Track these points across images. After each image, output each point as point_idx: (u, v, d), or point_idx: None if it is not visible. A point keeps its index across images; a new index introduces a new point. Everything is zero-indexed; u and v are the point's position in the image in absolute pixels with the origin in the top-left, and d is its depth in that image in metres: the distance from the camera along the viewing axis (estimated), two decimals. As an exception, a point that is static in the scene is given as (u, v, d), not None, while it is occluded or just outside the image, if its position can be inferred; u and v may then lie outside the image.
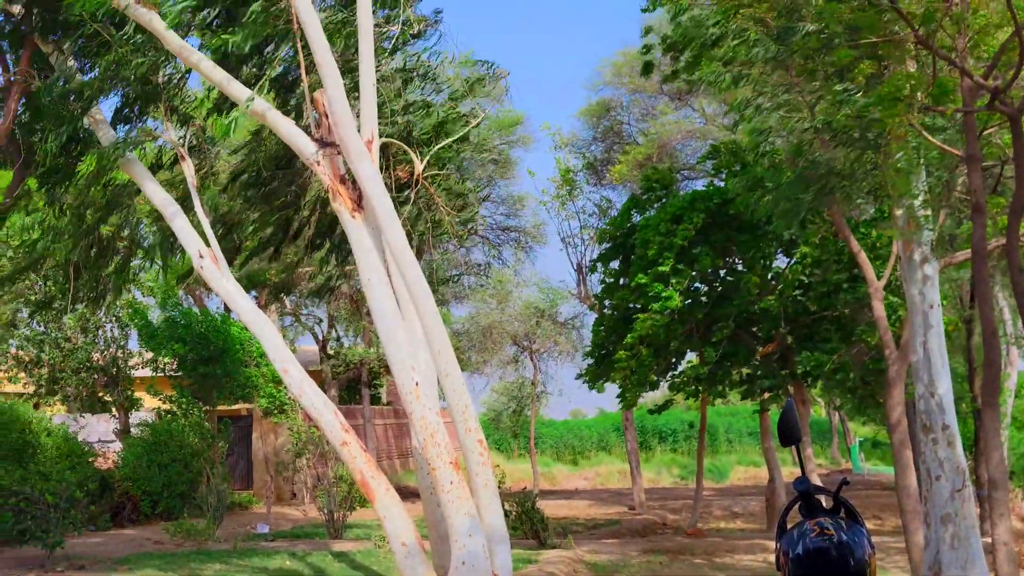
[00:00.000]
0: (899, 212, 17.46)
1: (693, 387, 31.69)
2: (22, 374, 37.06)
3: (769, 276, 29.21)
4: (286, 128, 15.43)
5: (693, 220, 27.74)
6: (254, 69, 17.52)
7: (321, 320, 48.84)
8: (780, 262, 30.29)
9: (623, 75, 43.76)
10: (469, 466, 13.91)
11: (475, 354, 49.76)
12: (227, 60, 16.56)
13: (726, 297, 29.17)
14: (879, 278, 20.36)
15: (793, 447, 4.19)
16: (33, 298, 31.45)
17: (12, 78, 18.46)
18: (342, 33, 17.07)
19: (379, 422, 48.50)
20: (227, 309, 37.77)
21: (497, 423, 59.56)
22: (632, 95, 44.95)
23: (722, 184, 29.47)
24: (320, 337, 48.20)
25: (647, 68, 26.01)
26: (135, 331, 37.44)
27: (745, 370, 30.72)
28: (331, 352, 46.89)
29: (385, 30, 17.67)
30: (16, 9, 18.09)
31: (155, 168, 18.99)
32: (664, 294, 27.36)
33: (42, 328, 36.63)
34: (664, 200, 30.76)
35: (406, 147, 16.93)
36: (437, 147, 17.85)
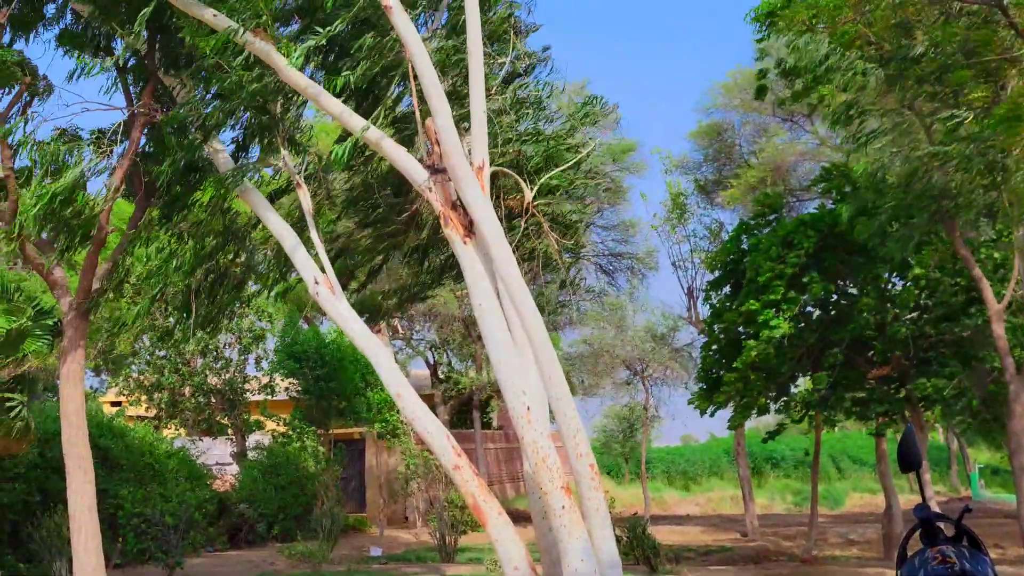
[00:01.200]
0: (1020, 232, 17.09)
1: (805, 412, 31.26)
2: (144, 398, 38.04)
3: (883, 299, 28.70)
4: (398, 156, 15.68)
5: (804, 245, 27.39)
6: (368, 99, 17.83)
7: (433, 345, 49.25)
8: (895, 285, 29.74)
9: (734, 96, 43.50)
10: (580, 491, 13.92)
11: (586, 377, 49.71)
12: (341, 91, 16.89)
13: (838, 321, 28.75)
14: (999, 300, 19.91)
15: (912, 473, 4.15)
16: (156, 324, 32.27)
17: (136, 111, 19.06)
18: (452, 62, 17.32)
19: (490, 446, 48.69)
20: (341, 333, 38.31)
21: (608, 447, 59.35)
22: (744, 116, 44.67)
23: (833, 207, 29.08)
24: (431, 362, 48.59)
25: (760, 92, 25.86)
26: (253, 355, 38.19)
27: (859, 394, 30.18)
28: (442, 377, 47.24)
29: (495, 61, 17.85)
30: (141, 44, 18.69)
31: (272, 196, 19.42)
32: (773, 322, 27.05)
33: (162, 353, 37.56)
34: (774, 224, 30.45)
35: (516, 175, 17.07)
36: (547, 175, 17.95)
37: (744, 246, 30.93)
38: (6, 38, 18.92)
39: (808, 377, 31.05)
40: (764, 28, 19.61)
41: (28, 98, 19.72)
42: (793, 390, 31.92)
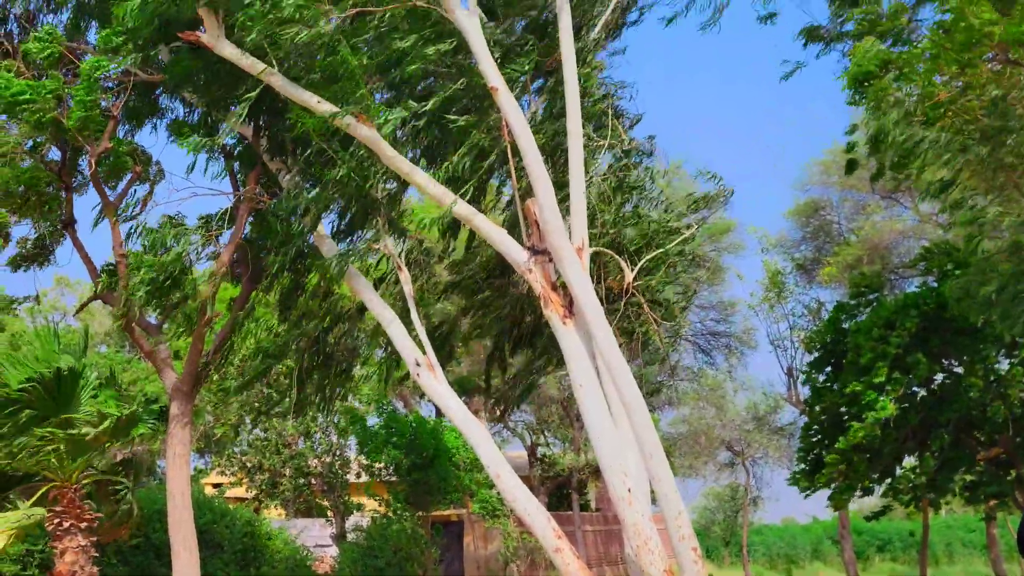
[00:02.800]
0: None
1: (912, 494, 30.49)
2: (245, 479, 38.44)
3: (991, 379, 28.01)
4: (499, 236, 15.84)
5: (907, 325, 26.92)
6: (468, 181, 18.05)
7: (530, 426, 49.14)
8: (1003, 364, 29.04)
9: (832, 173, 43.22)
10: (683, 574, 13.74)
11: (686, 459, 49.17)
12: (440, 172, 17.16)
13: (944, 401, 28.11)
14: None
15: (1029, 557, 4.07)
16: (258, 405, 32.75)
17: (242, 196, 19.53)
18: (551, 146, 17.52)
19: (588, 528, 48.21)
20: (439, 414, 38.44)
21: (708, 530, 58.43)
22: (842, 193, 44.30)
23: (936, 285, 28.59)
24: (529, 443, 48.45)
25: (851, 166, 25.69)
26: (353, 437, 38.44)
27: (968, 477, 29.39)
28: (540, 458, 47.04)
29: (595, 144, 18.02)
30: (245, 128, 19.21)
31: (374, 279, 19.70)
32: (878, 404, 26.55)
33: (263, 434, 38.00)
34: (874, 304, 30.00)
35: (616, 256, 17.14)
36: (647, 257, 17.98)
37: (844, 326, 30.50)
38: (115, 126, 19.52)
39: (914, 458, 30.36)
40: (857, 95, 19.55)
41: (139, 185, 20.39)
42: (898, 471, 31.20)
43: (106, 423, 17.56)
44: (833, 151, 42.46)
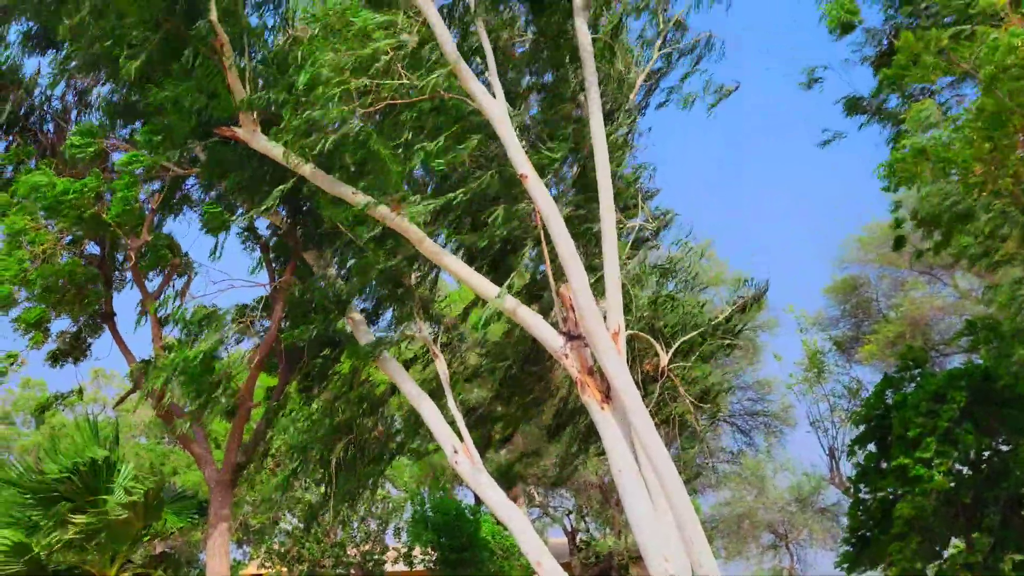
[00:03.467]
0: None
1: (964, 576, 29.85)
2: (284, 569, 38.19)
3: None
4: (535, 322, 15.82)
5: (955, 399, 26.56)
6: (501, 266, 18.12)
7: (570, 511, 48.68)
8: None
9: (870, 250, 43.04)
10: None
11: (728, 542, 48.50)
12: (474, 259, 17.23)
13: (993, 478, 27.63)
14: None
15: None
16: (297, 496, 32.62)
17: (277, 286, 19.67)
18: (581, 230, 17.56)
19: (631, 614, 47.51)
20: (477, 501, 38.16)
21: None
22: (881, 270, 44.07)
23: (980, 361, 28.25)
24: (569, 528, 47.96)
25: (899, 242, 25.52)
26: (391, 525, 38.21)
27: (1017, 556, 28.75)
28: (580, 544, 46.52)
29: (627, 225, 18.05)
30: (277, 219, 19.40)
31: (406, 360, 19.71)
32: (927, 475, 26.13)
33: (301, 524, 37.81)
34: (920, 379, 29.65)
35: (651, 339, 17.07)
36: (683, 339, 17.90)
37: (889, 401, 30.13)
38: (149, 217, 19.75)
39: (961, 539, 29.78)
40: (893, 184, 19.53)
41: (177, 278, 20.61)
42: (948, 552, 30.58)
43: (134, 497, 17.65)
44: (870, 227, 42.36)
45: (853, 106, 21.85)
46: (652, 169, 19.23)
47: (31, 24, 19.68)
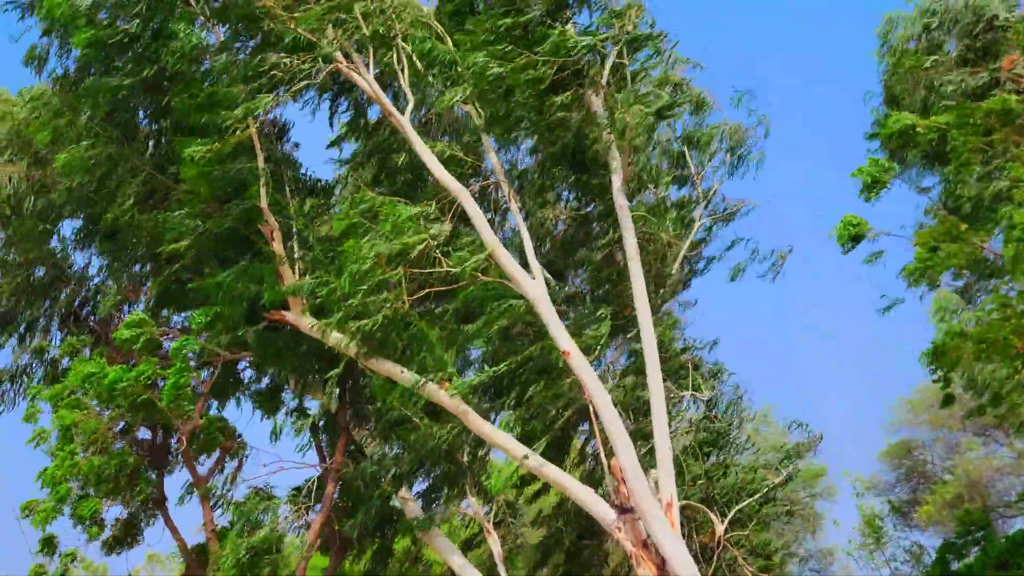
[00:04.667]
0: None
1: None
2: None
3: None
4: (587, 497, 15.68)
5: (1020, 564, 25.92)
6: (555, 442, 18.07)
7: None
8: None
9: (921, 412, 42.50)
10: None
11: None
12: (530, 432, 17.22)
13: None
14: None
15: None
16: None
17: (329, 467, 19.68)
18: (631, 400, 17.55)
19: None
20: None
21: None
22: (933, 433, 43.42)
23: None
24: None
25: (947, 400, 25.24)
26: None
27: None
28: None
29: (678, 396, 18.03)
30: (333, 405, 19.53)
31: (461, 542, 19.52)
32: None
33: None
34: (983, 544, 28.96)
35: (706, 509, 16.86)
36: (738, 507, 17.66)
37: (954, 567, 29.40)
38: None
39: None
40: (937, 367, 19.54)
41: (228, 461, 20.70)
42: None
43: None
44: (920, 390, 41.91)
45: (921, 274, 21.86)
46: (705, 345, 19.31)
47: (83, 220, 20.32)
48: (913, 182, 21.41)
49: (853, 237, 19.39)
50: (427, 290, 15.81)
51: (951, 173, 18.18)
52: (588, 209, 19.33)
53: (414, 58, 16.82)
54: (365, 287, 15.25)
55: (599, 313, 16.99)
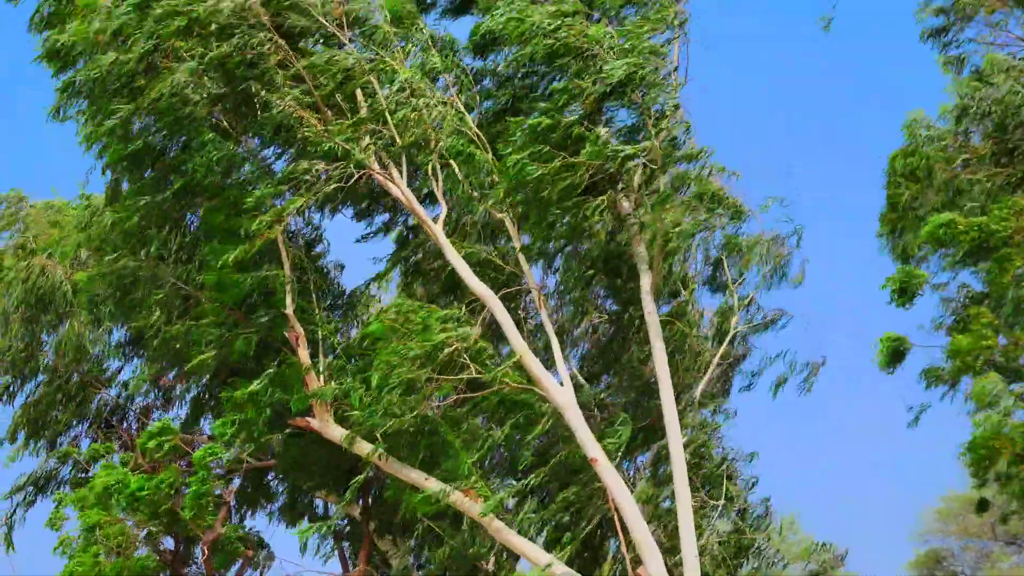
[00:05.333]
0: None
1: None
2: None
3: None
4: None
5: None
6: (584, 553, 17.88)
7: None
8: None
9: (951, 521, 41.90)
10: None
11: None
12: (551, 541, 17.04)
13: None
14: None
15: None
16: None
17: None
18: (660, 506, 17.38)
19: None
20: None
21: None
22: (963, 542, 42.75)
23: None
24: None
25: (982, 505, 24.90)
26: None
27: None
28: None
29: (708, 505, 17.84)
30: (355, 510, 19.43)
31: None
32: None
33: None
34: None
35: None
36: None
37: None
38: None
39: None
40: (979, 470, 19.38)
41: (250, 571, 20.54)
42: None
43: None
44: (948, 498, 41.39)
45: (935, 377, 21.71)
46: (739, 453, 19.14)
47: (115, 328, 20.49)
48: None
49: (894, 354, 19.38)
50: (455, 397, 15.82)
51: (991, 269, 18.25)
52: (617, 309, 19.32)
53: (451, 161, 16.99)
54: (390, 388, 15.25)
55: (621, 420, 16.92)
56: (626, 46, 16.08)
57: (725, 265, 19.46)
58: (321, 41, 17.41)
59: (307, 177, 16.35)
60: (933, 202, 20.71)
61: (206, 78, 16.68)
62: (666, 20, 16.65)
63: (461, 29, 19.51)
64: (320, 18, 16.99)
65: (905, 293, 19.48)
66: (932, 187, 20.71)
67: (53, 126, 17.47)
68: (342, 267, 20.03)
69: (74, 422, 21.79)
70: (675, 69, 16.87)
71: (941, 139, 21.24)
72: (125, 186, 17.85)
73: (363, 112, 16.94)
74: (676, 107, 16.64)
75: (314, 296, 17.99)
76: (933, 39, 22.32)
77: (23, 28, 17.91)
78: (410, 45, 18.02)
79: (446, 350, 15.34)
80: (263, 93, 16.51)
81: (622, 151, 15.95)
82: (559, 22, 16.34)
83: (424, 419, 15.90)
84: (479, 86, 18.51)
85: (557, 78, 16.87)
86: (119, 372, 21.64)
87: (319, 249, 19.61)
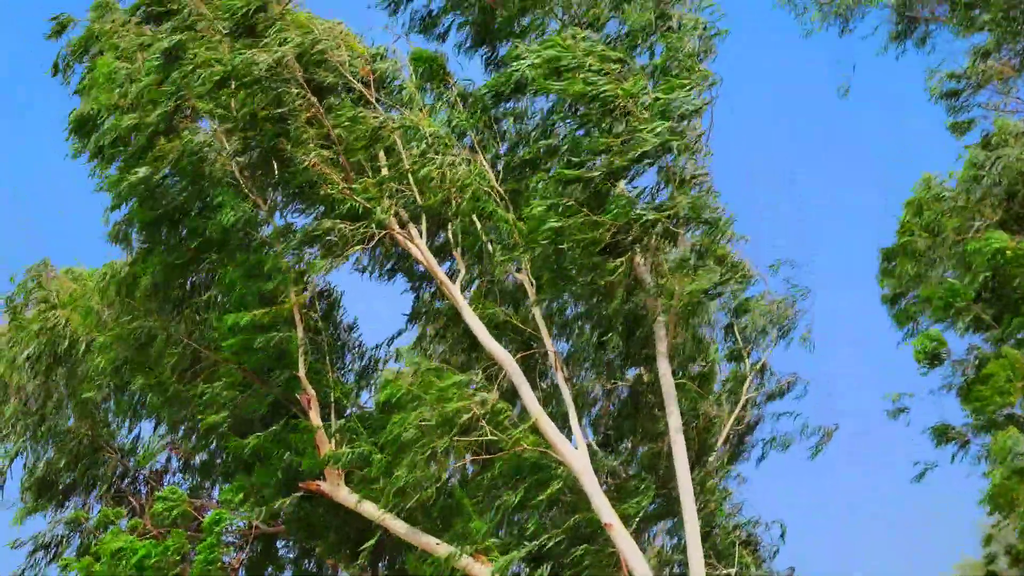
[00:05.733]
0: None
1: None
2: None
3: None
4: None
5: None
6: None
7: None
8: None
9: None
10: None
11: None
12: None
13: None
14: None
15: None
16: None
17: None
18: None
19: None
20: None
21: None
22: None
23: None
24: None
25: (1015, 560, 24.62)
26: None
27: None
28: None
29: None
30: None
31: None
32: None
33: None
34: None
35: None
36: None
37: None
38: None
39: None
40: (1000, 514, 19.17)
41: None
42: None
43: None
44: (963, 564, 40.93)
45: (942, 435, 21.60)
46: (754, 521, 19.00)
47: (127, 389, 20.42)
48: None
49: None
50: (470, 459, 15.71)
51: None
52: (633, 374, 19.26)
53: (473, 219, 16.97)
54: (408, 459, 15.15)
55: (643, 487, 16.80)
56: (659, 106, 15.79)
57: (736, 329, 19.49)
58: (348, 94, 17.37)
59: (330, 237, 16.37)
60: (941, 264, 20.85)
61: (227, 135, 16.82)
62: (699, 85, 16.32)
63: (475, 68, 19.90)
64: (347, 75, 17.09)
65: (934, 358, 19.51)
66: (944, 245, 20.82)
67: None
68: (351, 327, 20.02)
69: (84, 484, 21.71)
70: (701, 135, 16.65)
71: (953, 203, 21.37)
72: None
73: (384, 171, 16.96)
74: (704, 174, 16.48)
75: (328, 358, 17.95)
76: (944, 101, 22.45)
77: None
78: (438, 103, 18.12)
79: (464, 416, 15.25)
80: (289, 149, 16.58)
81: (647, 217, 15.81)
82: (599, 75, 15.91)
83: (440, 486, 15.81)
84: (499, 126, 18.50)
85: (584, 126, 16.50)
86: (132, 434, 21.65)
87: (332, 307, 19.57)
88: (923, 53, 22.49)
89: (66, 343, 20.77)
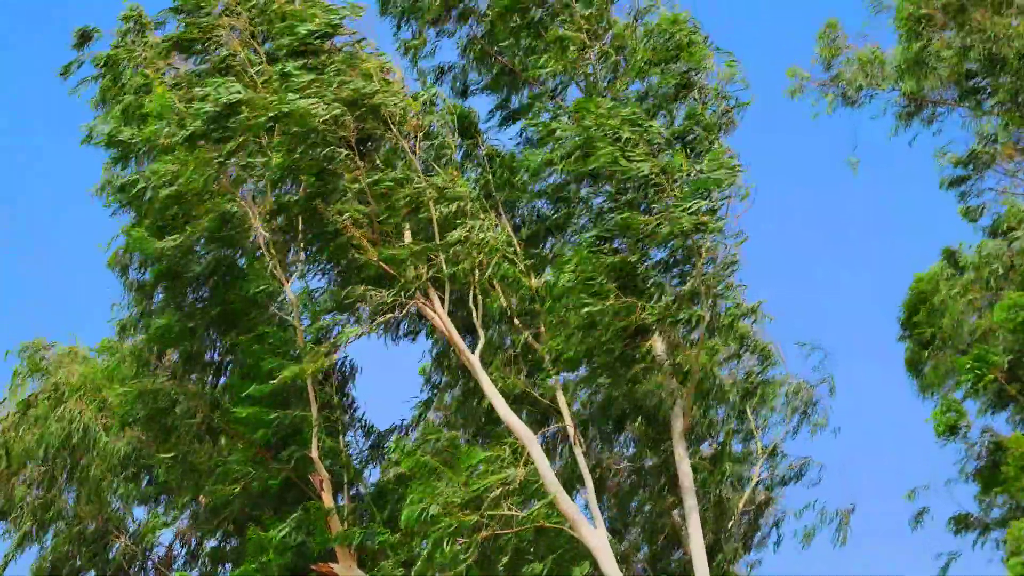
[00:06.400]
0: None
1: None
2: None
3: None
4: None
5: None
6: None
7: None
8: None
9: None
10: None
11: None
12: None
13: None
14: None
15: None
16: None
17: None
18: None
19: None
20: None
21: None
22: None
23: None
24: None
25: None
26: None
27: None
28: None
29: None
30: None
31: None
32: None
33: None
34: None
35: None
36: None
37: None
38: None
39: None
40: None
41: None
42: None
43: None
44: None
45: (962, 523, 21.50)
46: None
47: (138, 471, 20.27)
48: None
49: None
50: (490, 534, 15.48)
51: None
52: (640, 453, 19.11)
53: (495, 285, 16.89)
54: (436, 541, 14.88)
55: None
56: (697, 184, 15.69)
57: (749, 412, 19.32)
58: (384, 143, 17.20)
59: (361, 304, 16.21)
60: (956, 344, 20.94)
61: (260, 196, 16.75)
62: (730, 180, 16.15)
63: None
64: (394, 130, 16.77)
65: (952, 430, 19.43)
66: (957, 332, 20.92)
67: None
68: (357, 412, 19.85)
69: (92, 568, 21.44)
70: (738, 217, 16.48)
71: (964, 290, 21.52)
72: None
73: (408, 233, 16.85)
74: (734, 262, 16.29)
75: (341, 435, 17.79)
76: (953, 187, 22.66)
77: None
78: (466, 162, 18.09)
79: (495, 493, 15.02)
80: (326, 209, 16.39)
81: (686, 312, 15.65)
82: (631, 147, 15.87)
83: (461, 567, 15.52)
84: (520, 186, 18.42)
85: (613, 199, 16.60)
86: (141, 518, 21.48)
87: (350, 384, 19.44)
88: (931, 132, 22.73)
89: (81, 432, 20.61)
